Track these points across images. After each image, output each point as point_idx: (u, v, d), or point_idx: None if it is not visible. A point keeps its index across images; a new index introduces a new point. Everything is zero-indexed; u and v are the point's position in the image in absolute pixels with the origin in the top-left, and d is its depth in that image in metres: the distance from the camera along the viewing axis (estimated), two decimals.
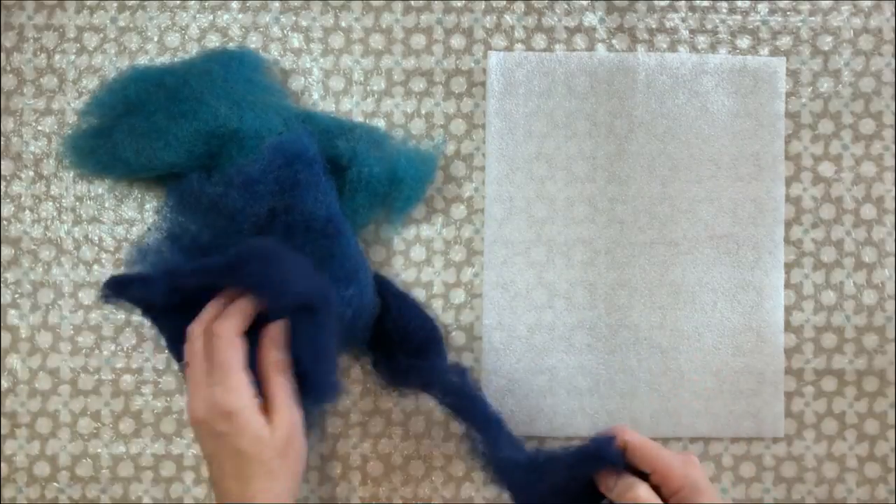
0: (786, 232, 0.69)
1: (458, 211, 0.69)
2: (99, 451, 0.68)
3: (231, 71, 0.66)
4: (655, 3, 0.70)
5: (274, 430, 0.54)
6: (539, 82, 0.69)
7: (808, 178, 0.69)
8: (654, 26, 0.70)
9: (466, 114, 0.70)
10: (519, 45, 0.70)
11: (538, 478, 0.57)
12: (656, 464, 0.54)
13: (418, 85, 0.70)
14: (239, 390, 0.54)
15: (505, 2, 0.70)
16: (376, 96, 0.69)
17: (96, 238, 0.69)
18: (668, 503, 0.54)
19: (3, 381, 0.68)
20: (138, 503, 0.68)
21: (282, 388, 0.55)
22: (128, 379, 0.68)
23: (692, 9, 0.70)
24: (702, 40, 0.70)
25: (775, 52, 0.70)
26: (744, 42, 0.70)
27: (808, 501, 0.68)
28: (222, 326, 0.55)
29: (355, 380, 0.69)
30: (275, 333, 0.56)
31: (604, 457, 0.55)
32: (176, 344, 0.59)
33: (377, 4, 0.70)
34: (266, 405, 0.55)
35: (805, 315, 0.69)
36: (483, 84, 0.69)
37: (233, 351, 0.54)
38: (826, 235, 0.69)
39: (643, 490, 0.53)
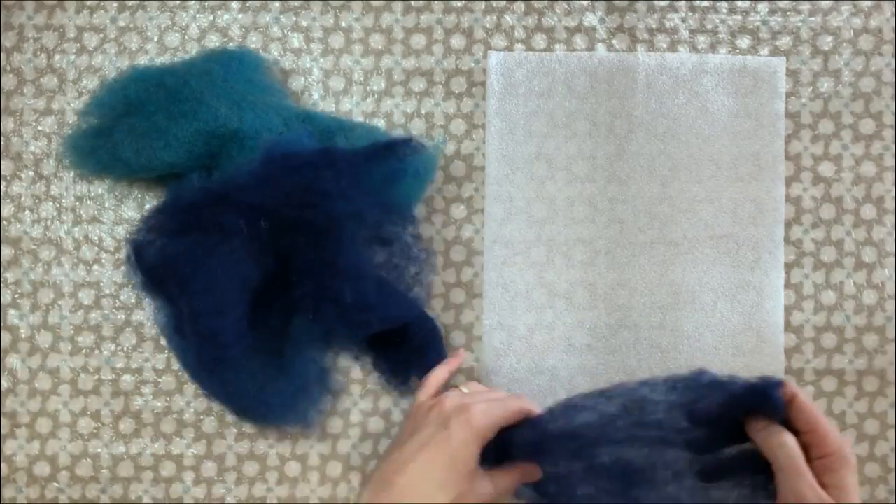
0: (786, 232, 0.69)
1: (458, 211, 0.69)
2: (99, 451, 0.68)
3: (231, 71, 0.66)
4: (655, 3, 0.70)
5: (477, 477, 0.57)
6: (539, 82, 0.69)
7: (808, 178, 0.69)
8: (654, 26, 0.70)
9: (466, 114, 0.70)
10: (519, 45, 0.70)
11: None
12: (817, 424, 0.53)
13: (418, 85, 0.70)
14: (493, 427, 0.57)
15: (505, 2, 0.70)
16: (376, 96, 0.70)
17: (96, 238, 0.69)
18: (811, 464, 0.53)
19: (3, 381, 0.68)
20: (138, 503, 0.68)
21: (511, 476, 0.59)
22: (128, 379, 0.68)
23: (692, 9, 0.70)
24: (702, 40, 0.70)
25: (775, 52, 0.70)
26: (744, 42, 0.70)
27: None
28: (520, 408, 0.59)
29: (355, 380, 0.69)
30: (531, 470, 0.59)
31: (769, 398, 0.53)
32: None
33: (377, 4, 0.70)
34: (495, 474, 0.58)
35: (805, 315, 0.69)
36: (483, 84, 0.69)
37: (512, 415, 0.58)
38: (826, 235, 0.69)
39: (791, 439, 0.53)
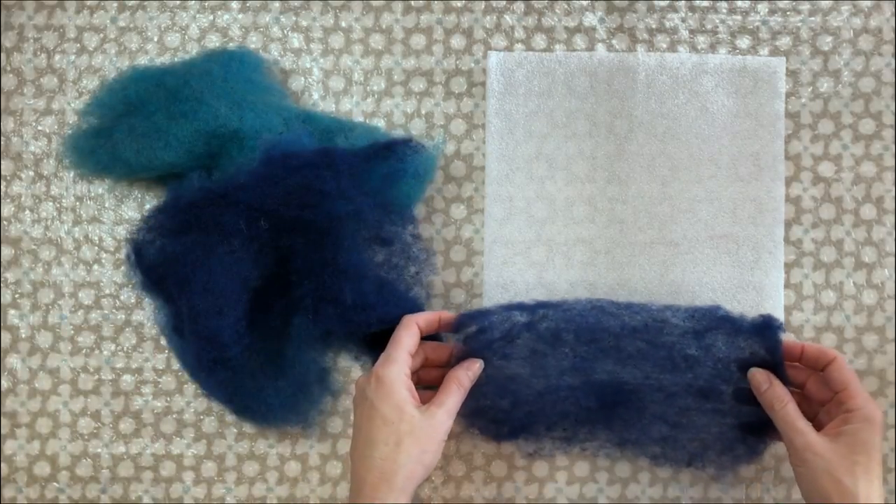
0: (786, 232, 0.69)
1: (458, 211, 0.69)
2: (99, 451, 0.68)
3: (231, 71, 0.66)
4: (655, 3, 0.70)
5: (420, 413, 0.58)
6: (539, 82, 0.69)
7: (808, 178, 0.69)
8: (654, 26, 0.70)
9: (466, 114, 0.70)
10: (519, 45, 0.70)
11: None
12: (849, 384, 0.59)
13: (418, 85, 0.70)
14: (395, 363, 0.59)
15: (505, 2, 0.70)
16: (376, 96, 0.70)
17: (96, 238, 0.69)
18: (819, 410, 0.61)
19: (3, 381, 0.68)
20: (138, 503, 0.68)
21: (451, 395, 0.60)
22: (128, 379, 0.68)
23: (692, 9, 0.70)
24: (702, 40, 0.70)
25: (775, 52, 0.70)
26: (744, 42, 0.70)
27: None
28: (407, 316, 0.62)
29: (355, 380, 0.69)
30: (473, 368, 0.62)
31: (769, 331, 0.62)
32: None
33: (377, 4, 0.70)
34: (433, 401, 0.60)
35: (805, 315, 0.69)
36: (483, 84, 0.69)
37: (404, 332, 0.61)
38: (826, 235, 0.69)
39: (786, 396, 0.60)
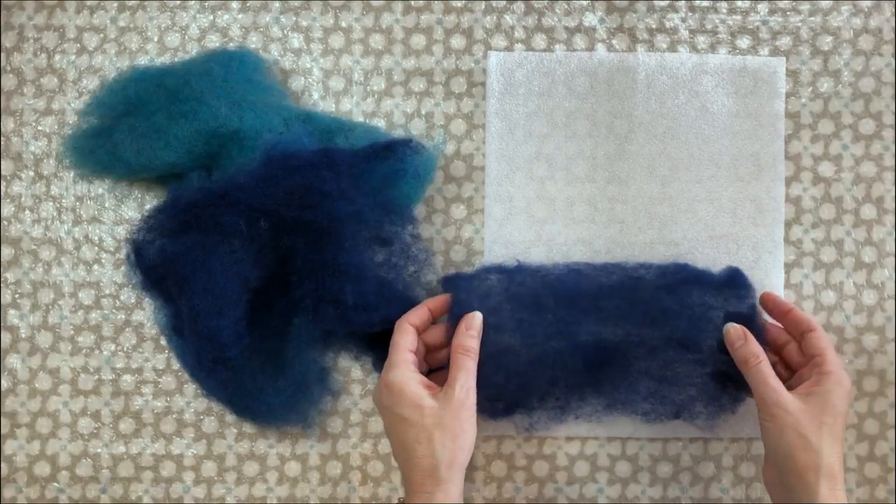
0: (786, 232, 0.69)
1: (458, 211, 0.69)
2: (99, 451, 0.68)
3: (231, 71, 0.66)
4: (655, 3, 0.70)
5: (439, 402, 0.59)
6: (539, 82, 0.69)
7: (808, 178, 0.69)
8: (654, 26, 0.70)
9: (466, 114, 0.70)
10: (519, 45, 0.70)
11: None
12: (801, 325, 0.62)
13: (418, 85, 0.70)
14: (400, 366, 0.60)
15: (505, 2, 0.70)
16: (376, 96, 0.70)
17: (96, 238, 0.69)
18: (792, 375, 0.63)
19: (3, 381, 0.68)
20: (138, 503, 0.68)
21: (461, 369, 0.61)
22: (128, 379, 0.68)
23: (692, 9, 0.70)
24: (702, 40, 0.70)
25: (775, 52, 0.70)
26: (744, 42, 0.70)
27: None
28: (401, 318, 0.63)
29: (355, 380, 0.69)
30: (470, 322, 0.63)
31: (737, 279, 0.65)
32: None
33: (377, 4, 0.70)
34: (447, 381, 0.60)
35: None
36: (483, 84, 0.69)
37: (401, 335, 0.62)
38: (826, 235, 0.69)
39: (758, 351, 0.61)
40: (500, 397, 0.65)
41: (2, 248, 0.69)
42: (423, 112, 0.70)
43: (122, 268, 0.68)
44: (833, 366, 0.60)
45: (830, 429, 0.58)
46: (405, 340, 0.61)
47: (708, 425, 0.66)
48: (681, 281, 0.65)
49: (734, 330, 0.62)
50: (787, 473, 0.58)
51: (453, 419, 0.59)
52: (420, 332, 0.63)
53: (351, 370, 0.69)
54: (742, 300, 0.64)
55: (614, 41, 0.70)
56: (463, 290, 0.64)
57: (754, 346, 0.61)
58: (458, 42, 0.70)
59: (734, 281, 0.65)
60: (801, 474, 0.57)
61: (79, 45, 0.69)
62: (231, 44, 0.69)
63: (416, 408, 0.59)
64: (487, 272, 0.65)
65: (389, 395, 0.59)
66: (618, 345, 0.65)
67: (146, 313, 0.68)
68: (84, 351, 0.68)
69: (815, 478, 0.57)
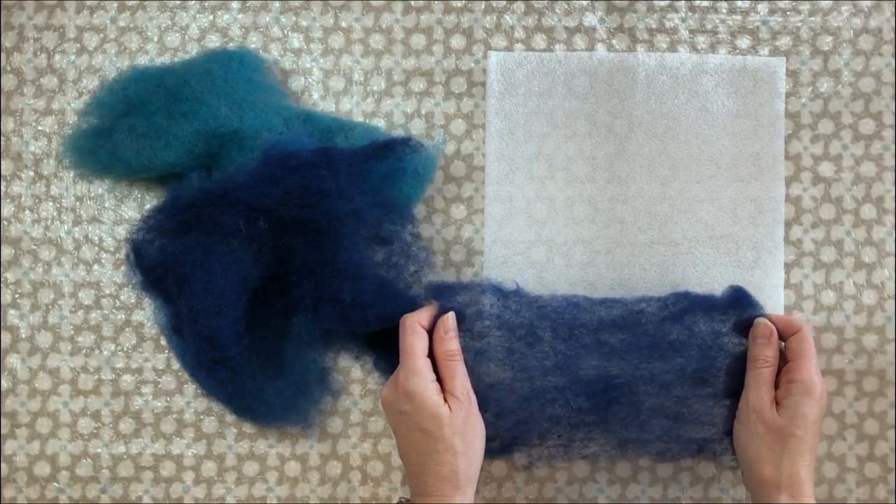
0: (786, 232, 0.69)
1: (458, 211, 0.69)
2: (99, 451, 0.68)
3: (231, 71, 0.66)
4: (655, 3, 0.70)
5: (451, 412, 0.59)
6: (539, 82, 0.69)
7: (808, 178, 0.69)
8: (654, 26, 0.70)
9: (466, 114, 0.70)
10: (519, 45, 0.70)
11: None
12: (802, 354, 0.60)
13: (418, 85, 0.70)
14: (419, 374, 0.60)
15: (505, 2, 0.70)
16: (376, 96, 0.70)
17: (96, 238, 0.69)
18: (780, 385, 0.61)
19: (3, 381, 0.68)
20: (138, 503, 0.68)
21: (453, 376, 0.61)
22: (128, 379, 0.68)
23: (692, 9, 0.70)
24: (702, 40, 0.70)
25: (775, 52, 0.70)
26: (744, 42, 0.70)
27: None
28: (409, 317, 0.61)
29: (355, 380, 0.69)
30: (446, 325, 0.62)
31: (742, 297, 0.63)
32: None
33: (377, 4, 0.70)
34: (443, 390, 0.60)
35: (805, 315, 0.69)
36: (483, 84, 0.69)
37: (415, 338, 0.61)
38: (826, 235, 0.69)
39: (768, 358, 0.61)
40: (493, 436, 0.63)
41: (2, 248, 0.69)
42: (423, 112, 0.70)
43: (122, 268, 0.68)
44: (804, 372, 0.59)
45: (799, 441, 0.58)
46: (421, 345, 0.61)
47: (736, 462, 0.64)
48: (684, 310, 0.64)
49: (764, 326, 0.62)
50: (750, 480, 0.60)
51: (465, 425, 0.59)
52: (428, 331, 0.62)
53: (351, 370, 0.69)
54: (746, 315, 0.63)
55: (614, 41, 0.70)
56: (452, 304, 0.63)
57: (771, 351, 0.61)
58: (458, 42, 0.70)
59: (739, 301, 0.64)
60: (762, 485, 0.59)
61: (79, 45, 0.69)
62: (231, 44, 0.69)
63: (436, 419, 0.59)
64: (482, 291, 0.63)
65: (409, 404, 0.59)
66: (626, 380, 0.63)
67: (146, 313, 0.68)
68: (84, 351, 0.68)
69: (775, 492, 0.58)
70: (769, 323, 0.62)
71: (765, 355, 0.61)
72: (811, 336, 0.61)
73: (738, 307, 0.63)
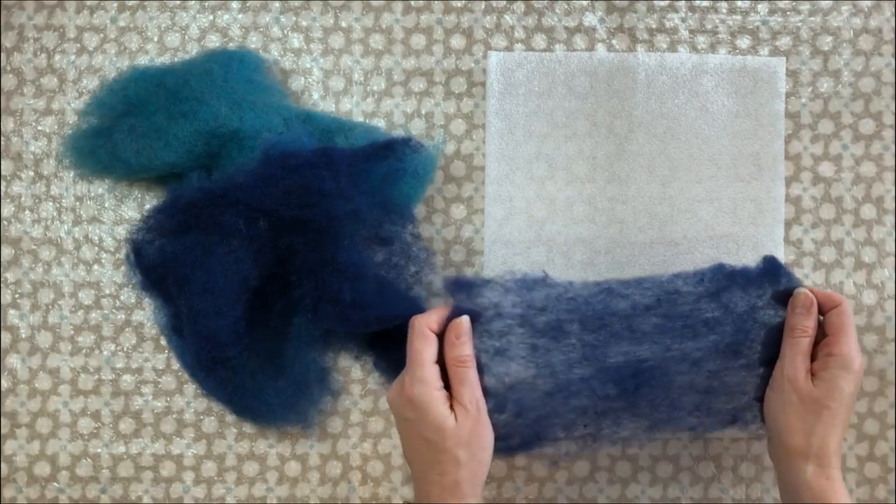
0: (786, 232, 0.69)
1: (458, 211, 0.69)
2: (99, 451, 0.68)
3: (231, 71, 0.66)
4: (655, 3, 0.70)
5: (457, 422, 0.57)
6: (539, 82, 0.69)
7: (808, 178, 0.69)
8: (654, 26, 0.70)
9: (466, 114, 0.70)
10: (519, 45, 0.70)
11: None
12: (842, 328, 0.59)
13: (418, 85, 0.70)
14: (425, 382, 0.57)
15: (505, 2, 0.70)
16: (376, 96, 0.70)
17: (96, 238, 0.69)
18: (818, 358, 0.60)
19: (3, 381, 0.68)
20: (138, 503, 0.68)
21: (463, 383, 0.58)
22: (128, 379, 0.68)
23: (692, 9, 0.70)
24: (702, 40, 0.70)
25: (775, 52, 0.70)
26: (744, 42, 0.70)
27: None
28: (418, 320, 0.59)
29: (355, 380, 0.69)
30: (458, 330, 0.59)
31: (778, 269, 0.61)
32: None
33: (377, 4, 0.70)
34: (451, 397, 0.58)
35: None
36: (483, 84, 0.69)
37: (424, 344, 0.58)
38: (826, 235, 0.69)
39: (806, 328, 0.60)
40: (511, 435, 0.60)
41: (2, 248, 0.69)
42: (423, 112, 0.70)
43: (122, 268, 0.68)
44: (843, 346, 0.59)
45: (833, 413, 0.58)
46: (429, 351, 0.58)
47: (764, 430, 0.63)
48: (722, 287, 0.61)
49: (805, 296, 0.60)
50: (777, 448, 0.60)
51: (471, 435, 0.57)
52: (438, 334, 0.60)
53: (351, 370, 0.69)
54: (782, 285, 0.61)
55: (614, 41, 0.70)
56: (467, 305, 0.59)
57: (810, 321, 0.60)
58: (458, 42, 0.70)
59: (774, 272, 0.61)
60: (790, 454, 0.58)
61: (79, 45, 0.69)
62: (231, 44, 0.69)
63: (440, 430, 0.57)
64: (506, 290, 0.60)
65: (413, 412, 0.57)
66: (657, 363, 0.60)
67: (146, 313, 0.68)
68: (84, 351, 0.68)
69: (802, 462, 0.58)
70: (809, 293, 0.60)
71: (803, 325, 0.60)
72: (851, 312, 0.60)
73: (773, 278, 0.61)
